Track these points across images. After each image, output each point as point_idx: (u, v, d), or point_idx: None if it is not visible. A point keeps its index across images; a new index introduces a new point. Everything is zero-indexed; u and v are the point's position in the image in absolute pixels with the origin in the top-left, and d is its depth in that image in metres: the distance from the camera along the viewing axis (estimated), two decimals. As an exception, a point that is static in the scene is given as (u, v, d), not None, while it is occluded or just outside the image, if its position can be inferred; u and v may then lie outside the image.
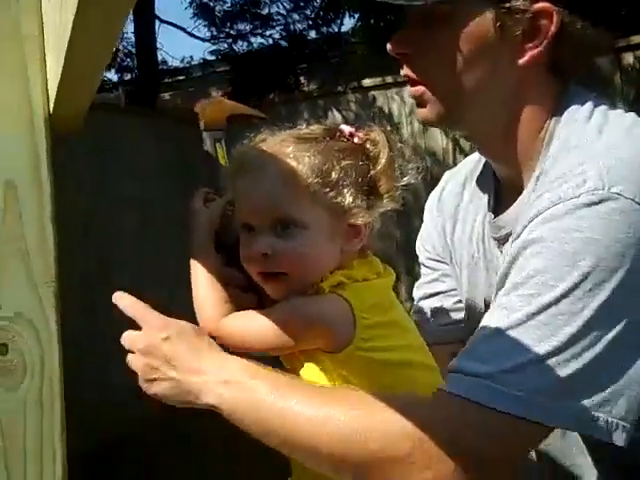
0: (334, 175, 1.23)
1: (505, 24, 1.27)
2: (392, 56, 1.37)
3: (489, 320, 1.18)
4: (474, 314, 1.48)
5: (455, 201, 1.56)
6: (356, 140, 1.29)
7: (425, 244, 1.61)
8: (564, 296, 1.11)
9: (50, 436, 0.87)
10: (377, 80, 6.40)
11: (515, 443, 1.14)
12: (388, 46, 1.36)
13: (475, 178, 1.53)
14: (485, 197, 1.47)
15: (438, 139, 6.04)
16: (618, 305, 1.11)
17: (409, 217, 6.18)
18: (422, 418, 1.12)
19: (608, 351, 1.10)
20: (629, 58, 5.69)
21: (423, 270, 1.61)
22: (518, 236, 1.21)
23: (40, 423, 0.87)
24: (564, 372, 1.10)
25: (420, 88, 1.35)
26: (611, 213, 1.12)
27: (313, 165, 1.23)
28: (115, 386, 6.03)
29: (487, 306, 1.44)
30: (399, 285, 6.32)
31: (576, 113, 1.30)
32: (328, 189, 1.23)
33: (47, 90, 0.91)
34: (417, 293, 1.60)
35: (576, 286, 1.11)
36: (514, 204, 1.36)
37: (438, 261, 1.59)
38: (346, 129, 1.29)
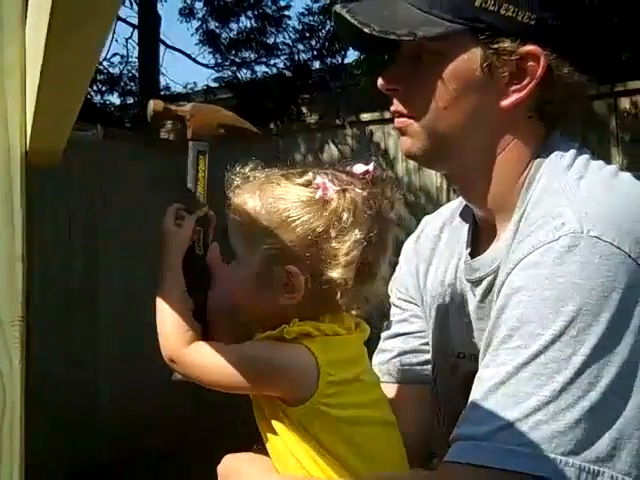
0: (270, 222, 1.22)
1: (492, 64, 1.28)
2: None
3: (481, 379, 1.17)
4: (442, 357, 1.47)
5: (431, 244, 1.56)
6: (316, 196, 1.23)
7: (398, 285, 1.60)
8: (552, 343, 1.11)
9: (8, 478, 0.86)
10: (375, 115, 6.42)
11: None
12: (379, 82, 1.38)
13: (454, 222, 1.54)
14: (462, 240, 1.47)
15: (432, 177, 6.06)
16: (607, 349, 1.10)
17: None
18: None
19: (603, 398, 1.09)
20: (625, 103, 5.71)
21: (393, 310, 1.60)
22: (502, 284, 1.21)
23: (-1, 463, 0.86)
24: (562, 422, 1.08)
25: (406, 120, 1.36)
26: (591, 256, 1.12)
27: (255, 207, 1.24)
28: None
29: (452, 353, 1.44)
30: (386, 322, 6.30)
31: (558, 161, 1.31)
32: (258, 233, 1.24)
33: (25, 127, 0.91)
34: (385, 332, 1.59)
35: (562, 332, 1.10)
36: (490, 248, 1.36)
37: (409, 302, 1.58)
38: (318, 180, 1.25)
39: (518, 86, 1.29)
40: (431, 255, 1.55)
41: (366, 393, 1.27)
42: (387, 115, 6.27)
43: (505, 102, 1.30)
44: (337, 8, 1.33)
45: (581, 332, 1.10)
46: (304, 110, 11.96)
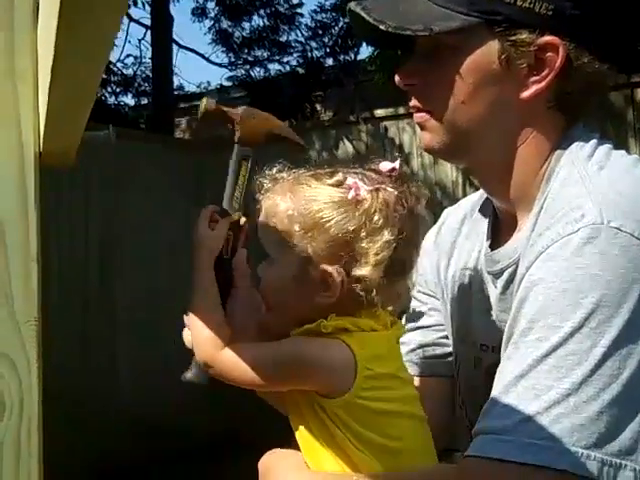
0: (304, 223, 1.23)
1: (510, 56, 1.26)
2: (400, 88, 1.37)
3: (502, 373, 1.17)
4: (465, 350, 1.47)
5: (452, 237, 1.55)
6: (349, 196, 1.24)
7: (418, 278, 1.58)
8: (571, 335, 1.09)
9: (26, 478, 0.86)
10: (389, 110, 6.41)
11: None
12: (396, 78, 1.36)
13: (474, 215, 1.53)
14: (483, 232, 1.46)
15: (448, 172, 6.04)
16: (628, 341, 1.09)
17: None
18: None
19: (625, 390, 1.08)
20: (642, 94, 5.70)
21: (413, 303, 1.59)
22: (522, 277, 1.20)
23: (17, 464, 0.86)
24: (583, 415, 1.07)
25: (425, 115, 1.34)
26: (610, 248, 1.11)
27: (288, 208, 1.24)
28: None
29: (474, 345, 1.43)
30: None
31: (578, 152, 1.29)
32: (294, 234, 1.23)
33: (39, 129, 0.91)
34: (405, 324, 1.57)
35: (582, 324, 1.09)
36: (511, 239, 1.35)
37: (428, 295, 1.57)
38: (349, 181, 1.25)
39: (537, 77, 1.27)
40: (451, 248, 1.54)
41: (402, 389, 1.28)
42: (401, 111, 6.28)
43: (524, 94, 1.28)
44: (352, 5, 1.31)
45: (601, 324, 1.09)
46: (318, 107, 11.97)
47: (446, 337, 1.53)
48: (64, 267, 5.96)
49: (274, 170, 1.30)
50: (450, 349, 1.53)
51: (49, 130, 0.91)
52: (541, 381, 1.10)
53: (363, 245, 1.22)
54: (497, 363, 1.24)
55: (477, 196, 1.56)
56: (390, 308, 1.29)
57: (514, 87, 1.28)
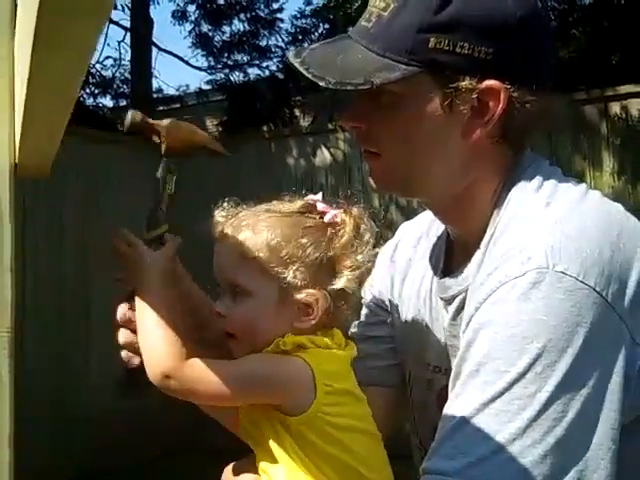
0: (286, 251, 1.24)
1: (453, 103, 1.26)
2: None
3: (449, 413, 1.18)
4: (419, 369, 1.48)
5: (408, 254, 1.56)
6: (325, 219, 1.29)
7: (372, 289, 1.59)
8: (517, 380, 1.11)
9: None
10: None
11: None
12: (341, 121, 1.37)
13: (430, 233, 1.53)
14: (436, 255, 1.48)
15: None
16: (572, 384, 1.11)
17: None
18: None
19: (569, 433, 1.10)
20: (616, 107, 5.75)
21: (364, 311, 1.60)
22: (470, 318, 1.22)
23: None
24: (528, 459, 1.09)
25: (372, 156, 1.35)
26: (555, 292, 1.12)
27: (268, 239, 1.25)
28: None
29: (427, 367, 1.45)
30: None
31: (526, 184, 1.31)
32: (276, 264, 1.25)
33: (14, 141, 0.92)
34: (354, 332, 1.59)
35: (527, 370, 1.11)
36: (463, 268, 1.36)
37: (380, 307, 1.58)
38: (320, 206, 1.30)
39: (481, 120, 1.28)
40: (407, 266, 1.55)
41: (359, 406, 1.30)
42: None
43: (470, 137, 1.29)
44: (291, 58, 1.32)
45: (546, 369, 1.11)
46: (297, 113, 11.96)
47: (393, 349, 1.55)
48: (38, 266, 5.93)
49: (226, 208, 1.32)
50: (393, 361, 1.54)
51: (25, 142, 0.92)
52: (488, 425, 1.12)
53: (349, 261, 1.26)
54: (448, 386, 1.27)
55: (431, 216, 1.56)
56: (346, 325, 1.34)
57: (458, 130, 1.29)
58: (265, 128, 10.53)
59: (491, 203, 1.33)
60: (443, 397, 1.27)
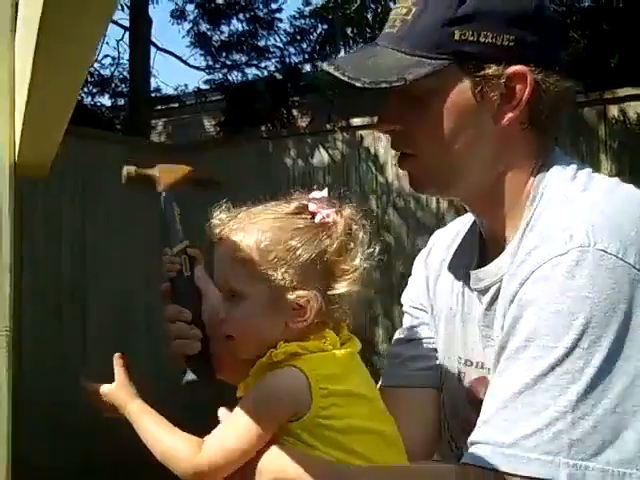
0: (275, 253, 1.27)
1: (483, 90, 1.32)
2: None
3: (498, 387, 1.23)
4: (450, 365, 1.51)
5: (441, 256, 1.59)
6: (316, 220, 1.30)
7: (410, 294, 1.64)
8: (565, 356, 1.16)
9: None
10: (366, 120, 6.42)
11: None
12: (376, 125, 1.42)
13: (462, 236, 1.57)
14: (469, 253, 1.51)
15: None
16: (617, 358, 1.16)
17: (390, 261, 6.22)
18: None
19: (618, 404, 1.15)
20: (614, 110, 5.76)
21: (405, 318, 1.64)
22: (513, 296, 1.25)
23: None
24: (579, 430, 1.14)
25: (409, 158, 1.39)
26: (598, 270, 1.17)
27: (258, 241, 1.27)
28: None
29: (459, 360, 1.48)
30: (376, 329, 6.34)
31: (561, 172, 1.35)
32: (266, 266, 1.27)
33: (14, 140, 0.93)
34: (397, 337, 1.63)
35: (574, 345, 1.16)
36: (497, 258, 1.39)
37: (419, 309, 1.61)
38: (312, 207, 1.31)
39: (510, 105, 1.33)
40: (440, 267, 1.58)
41: (363, 405, 1.30)
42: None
43: (501, 122, 1.34)
44: (325, 66, 1.37)
45: (592, 344, 1.15)
46: (295, 113, 11.98)
47: (435, 350, 1.57)
48: (36, 270, 5.93)
49: (223, 211, 1.35)
50: (436, 362, 1.56)
51: (25, 142, 0.93)
52: (539, 399, 1.17)
53: (344, 264, 1.28)
54: (479, 378, 1.34)
55: (466, 218, 1.61)
56: (346, 322, 1.34)
57: (490, 117, 1.34)
58: (263, 128, 10.54)
59: (525, 190, 1.36)
60: (472, 390, 1.34)
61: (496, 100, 1.32)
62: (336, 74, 1.33)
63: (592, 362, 1.15)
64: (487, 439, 1.20)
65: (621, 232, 1.20)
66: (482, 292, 1.41)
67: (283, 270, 1.26)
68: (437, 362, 1.56)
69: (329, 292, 1.27)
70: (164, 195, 1.47)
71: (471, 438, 1.23)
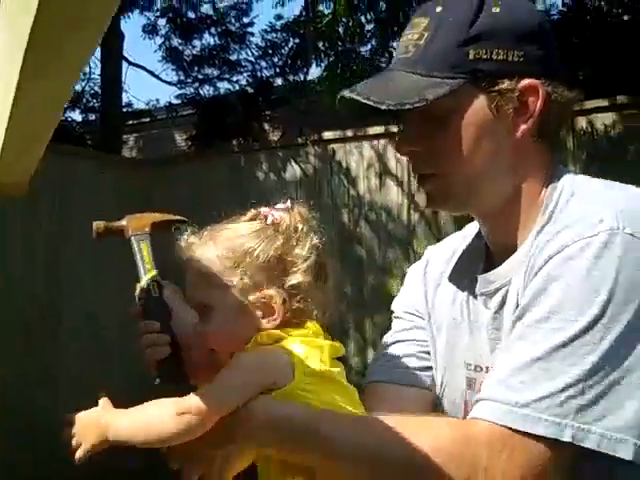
0: (233, 260, 1.35)
1: (498, 104, 1.39)
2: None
3: (516, 351, 1.31)
4: (455, 372, 1.55)
5: (441, 268, 1.64)
6: (268, 221, 1.39)
7: (404, 300, 1.68)
8: (586, 329, 1.25)
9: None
10: (337, 133, 6.45)
11: (548, 464, 1.25)
12: (395, 146, 1.49)
13: (465, 247, 1.62)
14: (475, 261, 1.56)
15: (394, 196, 6.11)
16: (631, 334, 1.25)
17: (361, 273, 6.24)
18: (475, 455, 1.26)
19: (627, 376, 1.24)
20: (582, 122, 5.83)
21: (395, 322, 1.68)
22: (539, 269, 1.32)
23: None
24: (587, 397, 1.23)
25: (431, 181, 1.45)
26: (625, 252, 1.26)
27: (217, 252, 1.36)
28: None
29: (467, 367, 1.52)
30: (347, 341, 6.33)
31: (575, 176, 1.45)
32: (226, 273, 1.35)
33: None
34: (387, 339, 1.66)
35: (595, 320, 1.25)
36: (508, 259, 1.45)
37: (414, 315, 1.65)
38: (263, 210, 1.41)
39: (524, 117, 1.41)
40: (440, 277, 1.63)
41: (341, 393, 1.35)
42: (349, 134, 6.34)
43: (516, 134, 1.41)
44: (346, 94, 1.44)
45: (611, 320, 1.24)
46: (266, 127, 11.98)
47: (428, 352, 1.60)
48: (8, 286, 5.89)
49: (188, 233, 1.43)
50: (428, 364, 1.60)
51: (3, 162, 0.94)
52: (556, 366, 1.25)
53: (295, 253, 1.36)
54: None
55: (463, 233, 1.67)
56: (325, 314, 1.40)
57: (506, 131, 1.41)
58: (235, 142, 10.53)
59: (539, 200, 1.43)
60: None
61: (511, 113, 1.40)
62: (360, 99, 1.40)
63: (609, 337, 1.24)
64: (501, 398, 1.27)
65: None
66: (490, 295, 1.47)
67: (242, 274, 1.34)
68: (427, 364, 1.60)
69: (286, 285, 1.35)
70: (132, 237, 1.54)
71: (483, 394, 1.31)
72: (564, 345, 1.25)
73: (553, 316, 1.28)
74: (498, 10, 1.41)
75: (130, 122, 12.84)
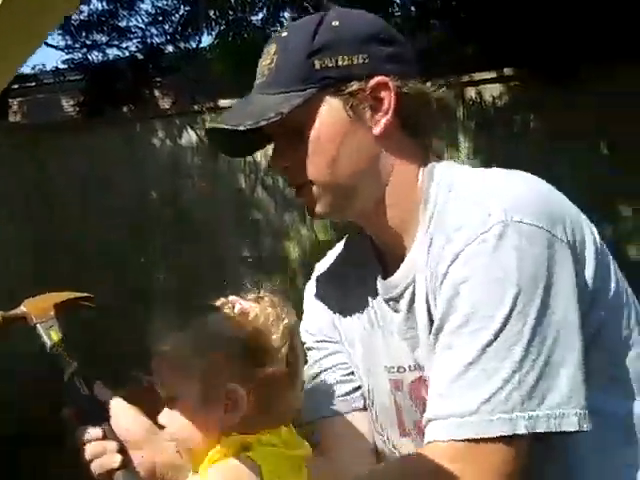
0: (208, 346, 1.34)
1: (353, 106, 1.47)
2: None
3: (446, 362, 1.36)
4: (379, 379, 1.60)
5: (335, 283, 1.68)
6: (236, 310, 1.38)
7: (310, 329, 1.72)
8: (504, 322, 1.31)
9: None
10: (234, 101, 6.48)
11: (514, 460, 1.32)
12: (270, 168, 1.56)
13: (350, 258, 1.68)
14: (369, 268, 1.60)
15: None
16: (545, 315, 1.32)
17: (259, 236, 6.30)
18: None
19: (552, 354, 1.31)
20: (471, 92, 6.03)
21: (311, 353, 1.71)
22: (444, 278, 1.38)
23: None
24: (527, 386, 1.30)
25: (307, 191, 1.51)
26: (520, 240, 1.33)
27: (184, 344, 1.36)
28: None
29: (389, 371, 1.57)
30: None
31: (450, 166, 1.53)
32: (193, 366, 1.34)
33: None
34: (310, 372, 1.69)
35: (511, 310, 1.31)
36: (406, 260, 1.50)
37: (325, 341, 1.70)
38: (231, 298, 1.40)
39: (381, 112, 1.48)
40: (338, 292, 1.67)
41: None
42: (245, 101, 6.35)
43: (376, 130, 1.48)
44: (210, 125, 1.53)
45: (525, 306, 1.31)
46: (157, 94, 11.85)
47: (352, 373, 1.66)
48: None
49: (163, 331, 1.44)
50: (358, 383, 1.66)
51: None
52: (488, 365, 1.31)
53: (266, 343, 1.35)
54: (420, 376, 1.48)
55: (344, 246, 1.72)
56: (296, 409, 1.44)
57: (367, 129, 1.48)
58: (125, 109, 10.39)
59: (416, 191, 1.50)
60: (416, 390, 1.50)
61: (367, 111, 1.47)
62: (223, 126, 1.46)
63: (528, 322, 1.31)
64: (449, 412, 1.33)
65: (530, 204, 1.37)
66: (397, 299, 1.52)
67: (208, 366, 1.34)
68: (356, 384, 1.66)
69: (256, 377, 1.34)
70: (38, 324, 1.48)
71: (430, 414, 1.36)
72: (489, 343, 1.31)
73: (471, 317, 1.33)
74: (337, 23, 1.49)
75: (16, 86, 12.48)
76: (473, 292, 1.34)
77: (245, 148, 1.59)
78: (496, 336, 1.31)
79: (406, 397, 1.55)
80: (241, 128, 1.43)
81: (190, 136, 6.62)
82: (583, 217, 1.46)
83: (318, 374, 1.68)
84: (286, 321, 1.38)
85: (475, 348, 1.32)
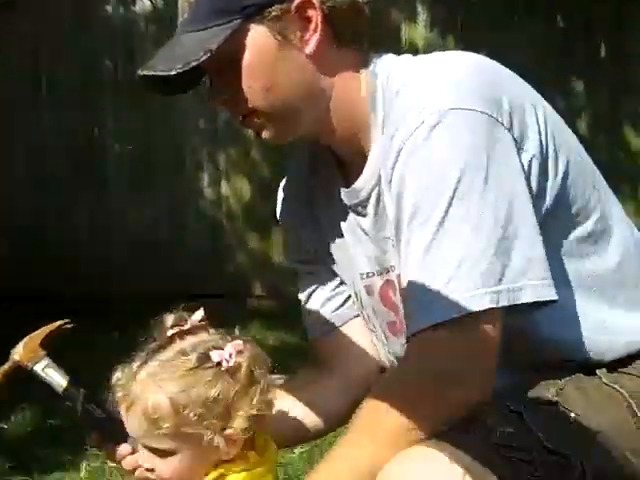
0: (194, 411, 1.36)
1: (281, 28, 1.45)
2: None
3: (408, 259, 1.38)
4: (359, 288, 1.65)
5: (302, 201, 1.71)
6: (223, 367, 1.39)
7: (292, 249, 1.79)
8: (449, 205, 1.33)
9: None
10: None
11: (488, 334, 1.35)
12: (210, 105, 1.57)
13: (311, 173, 1.70)
14: (332, 179, 1.62)
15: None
16: (492, 192, 1.33)
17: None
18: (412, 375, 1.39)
19: (504, 230, 1.33)
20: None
21: (300, 276, 1.77)
22: (390, 180, 1.41)
23: None
24: (484, 263, 1.31)
25: (252, 119, 1.51)
26: (454, 125, 1.34)
27: (172, 403, 1.36)
28: None
29: (362, 277, 1.62)
30: (202, 174, 6.16)
31: (388, 64, 1.52)
32: (187, 423, 1.37)
33: None
34: (302, 294, 1.76)
35: (454, 193, 1.33)
36: (366, 165, 1.52)
37: (307, 262, 1.74)
38: (214, 357, 1.39)
39: (310, 31, 1.46)
40: (306, 210, 1.70)
41: None
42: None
43: (308, 49, 1.47)
44: (140, 73, 1.47)
45: (468, 187, 1.33)
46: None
47: (342, 283, 1.71)
48: None
49: (121, 371, 1.44)
50: (347, 293, 1.71)
51: None
52: (442, 251, 1.34)
53: (252, 393, 1.40)
54: (388, 279, 1.52)
55: (300, 159, 1.74)
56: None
57: (298, 50, 1.48)
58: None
59: (361, 97, 1.52)
60: (385, 294, 1.57)
61: (296, 32, 1.46)
62: (150, 73, 1.45)
63: (474, 201, 1.33)
64: (417, 305, 1.37)
65: (465, 89, 1.38)
66: (364, 204, 1.54)
67: (203, 422, 1.36)
68: (348, 293, 1.71)
69: (242, 424, 1.38)
70: (33, 367, 1.53)
71: (407, 309, 1.42)
72: (438, 229, 1.33)
73: (418, 208, 1.36)
74: None
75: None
76: (414, 185, 1.37)
77: (182, 85, 1.54)
78: (442, 221, 1.33)
79: (377, 301, 1.61)
80: (172, 73, 1.42)
81: (144, 2, 6.40)
82: (529, 94, 1.48)
83: (309, 297, 1.73)
84: (262, 384, 1.42)
85: (426, 237, 1.34)
